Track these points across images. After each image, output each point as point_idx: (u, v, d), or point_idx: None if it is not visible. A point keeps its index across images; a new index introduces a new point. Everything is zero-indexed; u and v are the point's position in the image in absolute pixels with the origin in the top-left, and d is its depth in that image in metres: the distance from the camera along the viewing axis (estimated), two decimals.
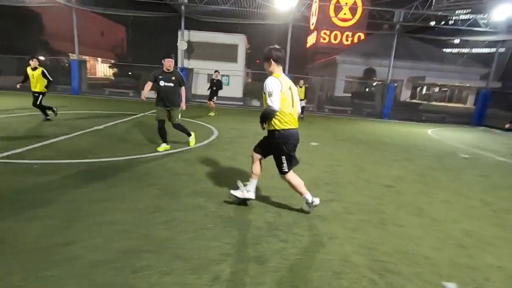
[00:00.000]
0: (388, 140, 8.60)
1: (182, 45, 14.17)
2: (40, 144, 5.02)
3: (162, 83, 4.87)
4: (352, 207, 3.44)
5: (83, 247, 2.25)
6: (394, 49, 14.14)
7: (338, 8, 31.64)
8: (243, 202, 3.22)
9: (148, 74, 15.35)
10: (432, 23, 24.60)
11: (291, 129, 2.79)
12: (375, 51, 24.82)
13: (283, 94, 2.67)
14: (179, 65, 14.61)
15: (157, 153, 4.99)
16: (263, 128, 2.90)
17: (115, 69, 27.76)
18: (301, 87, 10.95)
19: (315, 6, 29.97)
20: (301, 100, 10.95)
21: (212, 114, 10.30)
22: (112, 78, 25.62)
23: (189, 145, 5.52)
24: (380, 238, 2.75)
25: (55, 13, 19.86)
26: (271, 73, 2.73)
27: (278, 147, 2.84)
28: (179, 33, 14.66)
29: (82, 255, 2.15)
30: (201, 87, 15.10)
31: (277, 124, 2.76)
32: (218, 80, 10.07)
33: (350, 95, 24.47)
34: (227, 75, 15.24)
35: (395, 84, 15.61)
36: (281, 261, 2.27)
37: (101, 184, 3.50)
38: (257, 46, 19.12)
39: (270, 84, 2.58)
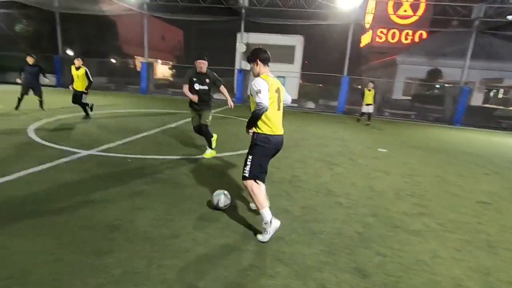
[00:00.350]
0: (467, 149, 7.74)
1: (241, 48, 14.57)
2: (128, 139, 5.55)
3: (197, 86, 4.48)
4: (448, 224, 3.14)
5: (189, 240, 2.39)
6: (471, 48, 12.71)
7: (397, 5, 29.59)
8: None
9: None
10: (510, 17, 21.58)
11: (274, 135, 2.59)
12: (441, 50, 22.63)
13: (270, 94, 2.50)
14: (237, 67, 15.05)
15: (231, 153, 5.16)
16: (248, 133, 2.67)
17: (173, 71, 29.78)
18: (369, 90, 10.11)
19: (371, 4, 28.43)
20: (369, 104, 10.30)
21: None
22: (171, 79, 27.52)
23: (204, 156, 4.79)
24: (493, 263, 2.45)
25: (126, 20, 22.04)
26: (258, 74, 2.62)
27: (251, 147, 2.63)
28: (238, 35, 15.09)
29: (191, 248, 2.29)
30: None
31: (259, 126, 2.56)
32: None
33: (410, 98, 22.72)
34: (282, 77, 15.24)
35: (470, 87, 14.02)
36: (385, 276, 2.15)
37: (189, 180, 3.72)
38: (313, 46, 18.76)
39: (258, 83, 2.47)
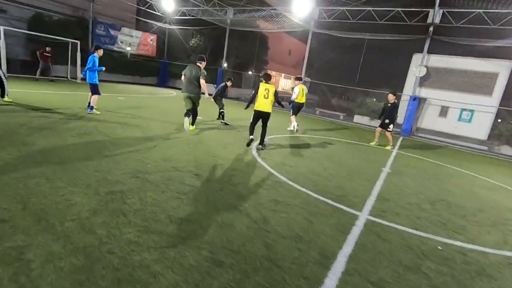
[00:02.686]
0: None
1: (421, 71, 12.32)
2: (375, 197, 4.38)
3: None
4: None
5: None
6: None
7: None
8: None
9: (364, 97, 14.17)
10: None
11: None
12: None
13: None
14: (409, 93, 12.86)
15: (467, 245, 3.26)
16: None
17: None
18: None
19: None
20: None
21: (373, 143, 8.78)
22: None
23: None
24: None
25: (273, 37, 23.01)
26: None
27: None
28: (414, 56, 12.91)
29: None
30: (431, 121, 12.93)
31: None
32: (393, 103, 8.16)
33: None
34: (470, 110, 12.15)
35: None
36: None
37: None
38: None
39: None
